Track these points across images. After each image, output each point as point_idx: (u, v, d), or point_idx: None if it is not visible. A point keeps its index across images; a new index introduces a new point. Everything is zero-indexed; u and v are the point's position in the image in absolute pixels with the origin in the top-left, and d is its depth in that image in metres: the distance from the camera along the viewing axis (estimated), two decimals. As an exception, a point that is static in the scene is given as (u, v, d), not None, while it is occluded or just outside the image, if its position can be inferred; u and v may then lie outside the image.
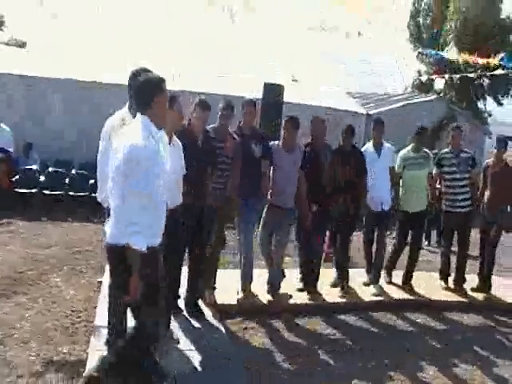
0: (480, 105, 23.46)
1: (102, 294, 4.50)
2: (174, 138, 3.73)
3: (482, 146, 16.76)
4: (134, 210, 2.60)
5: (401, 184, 5.84)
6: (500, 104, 23.41)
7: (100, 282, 5.11)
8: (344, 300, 5.38)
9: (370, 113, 13.15)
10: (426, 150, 5.89)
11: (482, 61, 12.44)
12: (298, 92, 12.62)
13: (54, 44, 12.50)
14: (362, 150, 5.75)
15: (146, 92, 2.77)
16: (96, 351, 3.49)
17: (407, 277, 5.96)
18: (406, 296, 5.71)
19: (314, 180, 5.15)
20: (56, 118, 10.51)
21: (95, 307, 4.54)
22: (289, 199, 5.08)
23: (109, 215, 2.81)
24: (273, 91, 8.56)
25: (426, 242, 8.77)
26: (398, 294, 5.74)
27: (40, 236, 7.50)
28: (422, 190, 5.82)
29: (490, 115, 24.02)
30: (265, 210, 5.23)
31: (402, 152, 5.86)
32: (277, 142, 5.18)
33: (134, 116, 2.89)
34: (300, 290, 5.41)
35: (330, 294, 5.44)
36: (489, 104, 23.81)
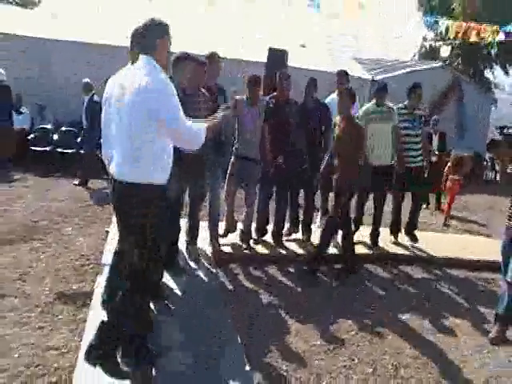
0: (487, 74, 23.33)
1: (109, 238, 5.02)
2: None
3: (488, 114, 16.90)
4: (158, 148, 2.74)
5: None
6: (507, 73, 23.23)
7: (107, 232, 5.61)
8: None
9: (376, 78, 13.33)
10: (390, 105, 6.00)
11: (490, 29, 12.42)
12: (305, 57, 12.78)
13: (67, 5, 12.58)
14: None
15: (150, 33, 2.82)
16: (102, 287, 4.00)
17: (375, 232, 6.15)
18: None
19: (277, 132, 5.37)
20: (70, 80, 10.78)
21: (102, 252, 5.03)
22: (253, 150, 5.33)
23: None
24: (276, 56, 8.61)
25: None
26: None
27: (53, 190, 8.02)
28: (386, 144, 5.96)
29: (497, 85, 23.93)
30: (231, 162, 5.46)
31: (365, 107, 6.02)
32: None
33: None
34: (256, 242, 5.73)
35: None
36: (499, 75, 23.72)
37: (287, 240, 5.89)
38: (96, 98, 8.22)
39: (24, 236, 5.57)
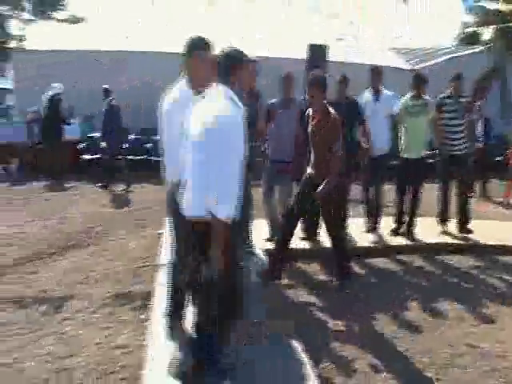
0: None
1: (164, 239, 5.23)
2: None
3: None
4: (224, 179, 2.57)
5: (402, 131, 6.02)
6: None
7: (160, 234, 5.83)
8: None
9: (414, 68, 13.13)
10: (427, 97, 5.93)
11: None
12: (342, 50, 12.72)
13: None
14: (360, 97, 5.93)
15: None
16: (160, 286, 4.18)
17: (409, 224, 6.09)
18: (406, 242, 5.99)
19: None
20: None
21: (156, 254, 5.24)
22: (288, 153, 5.20)
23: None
24: (317, 51, 8.36)
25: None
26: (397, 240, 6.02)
27: (104, 197, 8.35)
28: (421, 137, 5.94)
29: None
30: (266, 167, 5.45)
31: (402, 99, 5.99)
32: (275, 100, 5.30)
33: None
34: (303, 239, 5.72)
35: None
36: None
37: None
38: (114, 102, 8.67)
39: (83, 241, 5.85)
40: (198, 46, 3.00)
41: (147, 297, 4.27)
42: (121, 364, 3.32)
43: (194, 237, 2.75)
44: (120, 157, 9.18)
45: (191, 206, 2.68)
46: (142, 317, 3.99)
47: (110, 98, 8.94)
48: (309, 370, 3.12)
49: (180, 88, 3.11)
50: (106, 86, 9.06)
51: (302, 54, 6.74)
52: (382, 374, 3.34)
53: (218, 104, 2.65)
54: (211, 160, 2.55)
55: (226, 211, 2.56)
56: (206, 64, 2.96)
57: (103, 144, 9.31)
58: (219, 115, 2.58)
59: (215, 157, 2.54)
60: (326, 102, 4.58)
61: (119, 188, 8.96)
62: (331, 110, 4.51)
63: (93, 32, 12.96)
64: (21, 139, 10.15)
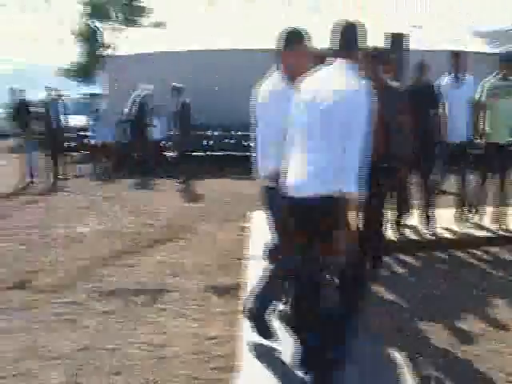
0: None
1: (249, 233, 5.31)
2: None
3: None
4: (354, 155, 2.47)
5: (487, 115, 5.68)
6: None
7: (244, 227, 5.95)
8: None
9: (497, 51, 12.33)
10: None
11: None
12: (421, 38, 12.18)
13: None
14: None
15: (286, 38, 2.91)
16: (248, 279, 4.28)
17: (499, 214, 5.73)
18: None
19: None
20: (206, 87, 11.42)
21: (242, 247, 5.36)
22: None
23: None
24: (396, 40, 8.23)
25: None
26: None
27: (187, 192, 8.64)
28: (509, 121, 5.57)
29: None
30: None
31: (488, 81, 5.67)
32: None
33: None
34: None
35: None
36: None
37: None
38: (186, 100, 8.93)
39: (172, 235, 6.10)
40: (296, 38, 2.98)
41: (236, 289, 4.37)
42: (215, 354, 3.43)
43: (311, 223, 2.59)
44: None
45: (311, 183, 2.54)
46: (232, 308, 4.09)
47: (182, 97, 9.24)
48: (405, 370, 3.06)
49: (273, 81, 3.07)
50: (176, 84, 9.33)
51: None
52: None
53: (345, 78, 2.56)
54: (339, 134, 2.46)
55: (356, 186, 2.45)
56: (304, 55, 2.97)
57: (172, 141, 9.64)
58: (347, 89, 2.50)
59: (343, 131, 2.45)
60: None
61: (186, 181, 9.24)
62: None
63: (175, 34, 13.36)
64: (113, 139, 10.77)
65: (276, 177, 2.88)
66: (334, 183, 2.47)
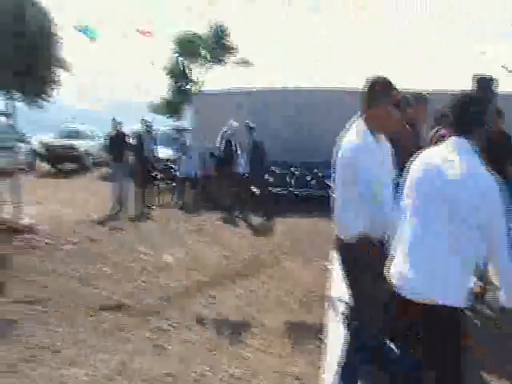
0: None
1: (331, 273, 5.30)
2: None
3: None
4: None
5: None
6: None
7: (326, 267, 5.94)
8: None
9: None
10: None
11: None
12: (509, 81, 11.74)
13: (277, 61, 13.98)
14: None
15: (369, 92, 2.86)
16: (331, 321, 4.26)
17: None
18: None
19: None
20: (277, 123, 11.75)
21: (325, 287, 5.34)
22: None
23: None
24: (484, 84, 7.90)
25: None
26: None
27: (268, 227, 8.75)
28: None
29: None
30: None
31: None
32: None
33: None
34: None
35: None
36: None
37: None
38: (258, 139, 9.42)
39: (254, 270, 6.20)
40: (383, 93, 2.91)
41: (319, 328, 4.36)
42: (297, 392, 3.42)
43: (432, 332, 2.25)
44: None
45: (440, 288, 2.18)
46: (314, 347, 4.07)
47: (255, 134, 9.62)
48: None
49: (357, 135, 2.91)
50: (249, 123, 9.68)
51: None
52: None
53: (468, 162, 2.21)
54: (471, 226, 2.14)
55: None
56: (390, 110, 2.92)
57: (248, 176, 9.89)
58: (474, 173, 2.18)
59: (478, 222, 2.13)
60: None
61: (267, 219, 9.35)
62: None
63: (259, 72, 13.89)
64: (198, 173, 11.22)
65: (356, 239, 2.84)
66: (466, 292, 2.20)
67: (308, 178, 10.71)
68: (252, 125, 9.83)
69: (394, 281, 2.33)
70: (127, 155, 10.50)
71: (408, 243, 2.31)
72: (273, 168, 11.14)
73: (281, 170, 11.09)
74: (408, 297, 2.23)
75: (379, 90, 2.91)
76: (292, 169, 11.12)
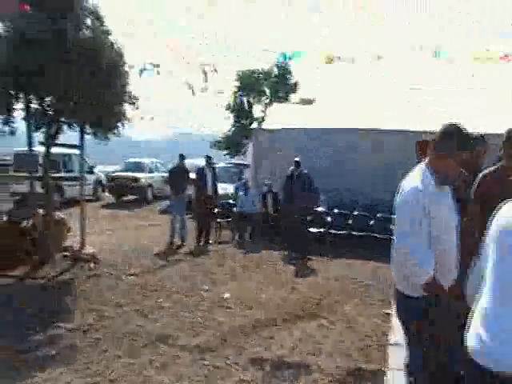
0: None
1: (392, 317, 5.10)
2: None
3: None
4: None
5: None
6: None
7: (387, 314, 5.72)
8: None
9: None
10: None
11: None
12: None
13: (338, 100, 14.03)
14: None
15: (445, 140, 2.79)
16: (392, 369, 4.07)
17: None
18: None
19: None
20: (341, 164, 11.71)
21: (384, 334, 5.13)
22: None
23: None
24: None
25: None
26: None
27: (327, 269, 8.57)
28: None
29: None
30: None
31: None
32: None
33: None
34: None
35: None
36: None
37: None
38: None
39: (312, 311, 6.06)
40: (457, 145, 2.80)
41: (379, 376, 4.18)
42: None
43: None
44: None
45: None
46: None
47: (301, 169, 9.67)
48: None
49: (422, 181, 2.79)
50: (297, 159, 9.71)
51: None
52: None
53: None
54: None
55: None
56: (456, 160, 2.81)
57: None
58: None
59: None
60: None
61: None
62: None
63: (320, 112, 13.93)
64: (256, 209, 11.27)
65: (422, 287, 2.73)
66: None
67: (368, 220, 10.48)
68: (297, 159, 9.78)
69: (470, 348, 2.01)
70: (187, 189, 10.71)
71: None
72: (335, 210, 11.03)
73: (340, 210, 10.94)
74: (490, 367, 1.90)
75: (458, 141, 2.81)
76: (354, 211, 10.96)
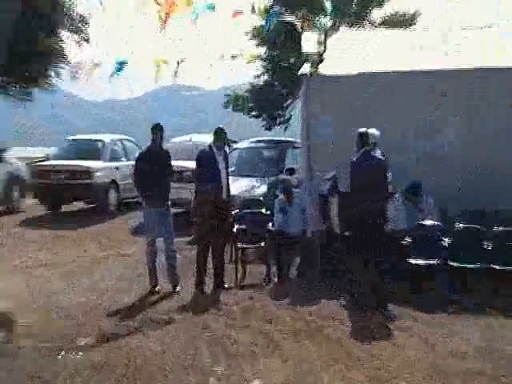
0: None
1: None
2: None
3: None
4: None
5: None
6: None
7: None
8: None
9: None
10: None
11: None
12: None
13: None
14: None
15: None
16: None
17: None
18: None
19: None
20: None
21: None
22: None
23: None
24: None
25: None
26: None
27: (448, 338, 4.50)
28: None
29: None
30: None
31: None
32: None
33: None
34: None
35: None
36: None
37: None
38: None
39: None
40: None
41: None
42: None
43: None
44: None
45: None
46: None
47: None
48: None
49: None
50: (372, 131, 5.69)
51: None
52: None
53: None
54: None
55: None
56: None
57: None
58: None
59: None
60: None
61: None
62: None
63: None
64: (309, 226, 6.72)
65: None
66: None
67: (483, 239, 5.63)
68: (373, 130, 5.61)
69: None
70: (171, 192, 6.21)
71: None
72: (459, 224, 5.96)
73: (469, 223, 5.95)
74: None
75: None
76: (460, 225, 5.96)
